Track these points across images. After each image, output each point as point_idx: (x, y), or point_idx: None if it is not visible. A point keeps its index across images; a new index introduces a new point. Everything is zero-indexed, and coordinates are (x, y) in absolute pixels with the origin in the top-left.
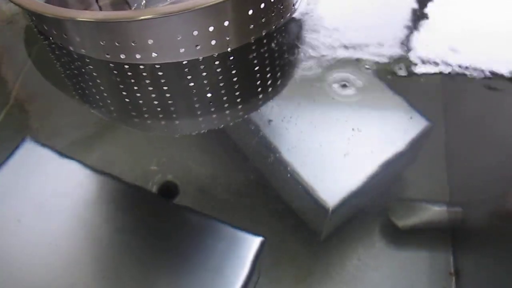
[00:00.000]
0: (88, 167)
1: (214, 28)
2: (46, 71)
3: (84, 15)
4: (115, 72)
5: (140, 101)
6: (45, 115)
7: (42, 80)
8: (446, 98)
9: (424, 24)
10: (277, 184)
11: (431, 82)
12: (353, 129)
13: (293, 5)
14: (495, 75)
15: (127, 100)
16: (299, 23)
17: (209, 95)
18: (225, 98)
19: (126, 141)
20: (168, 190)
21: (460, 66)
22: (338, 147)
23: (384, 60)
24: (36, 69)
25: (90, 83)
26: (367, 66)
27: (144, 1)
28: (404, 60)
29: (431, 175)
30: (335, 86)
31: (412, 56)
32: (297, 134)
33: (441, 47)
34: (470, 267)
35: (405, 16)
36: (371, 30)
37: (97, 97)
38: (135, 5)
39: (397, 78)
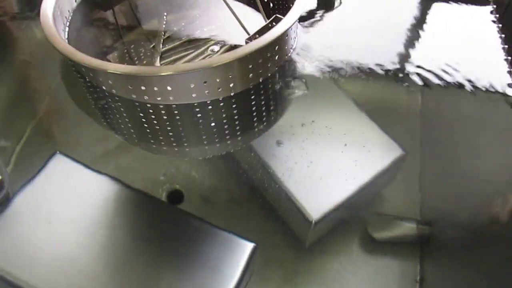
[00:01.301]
0: (109, 177)
1: (220, 79)
2: (73, 94)
3: (115, 68)
4: (139, 109)
5: (158, 132)
6: (69, 129)
7: (67, 97)
8: (423, 131)
9: None
10: (270, 196)
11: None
12: (338, 153)
13: (287, 54)
14: None
15: (147, 130)
16: (290, 63)
17: (214, 128)
18: (227, 131)
19: (139, 154)
20: (175, 197)
21: None
22: (323, 168)
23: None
24: (63, 87)
25: (118, 115)
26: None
27: (163, 37)
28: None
29: (405, 195)
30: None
31: None
32: (287, 154)
33: None
34: (433, 275)
35: None
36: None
37: (122, 126)
38: (154, 44)
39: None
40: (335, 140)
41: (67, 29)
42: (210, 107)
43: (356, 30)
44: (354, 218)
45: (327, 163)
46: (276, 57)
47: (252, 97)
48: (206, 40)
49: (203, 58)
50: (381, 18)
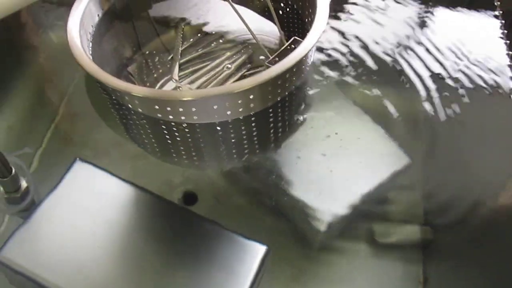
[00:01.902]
0: (128, 183)
1: (242, 101)
2: (91, 98)
3: (142, 92)
4: (163, 126)
5: (180, 147)
6: (87, 133)
7: (84, 101)
8: (427, 135)
9: None
10: (280, 198)
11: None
12: (346, 161)
13: (304, 72)
14: None
15: (170, 145)
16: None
17: (234, 144)
18: (246, 146)
19: (155, 159)
20: (189, 198)
21: None
22: (332, 175)
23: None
24: (79, 91)
25: (142, 131)
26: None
27: (181, 48)
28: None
29: (409, 199)
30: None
31: None
32: (297, 161)
33: None
34: (436, 276)
35: None
36: None
37: (146, 140)
38: (172, 55)
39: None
40: (343, 147)
41: (90, 44)
42: (231, 125)
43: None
44: (361, 221)
45: (336, 171)
46: (294, 77)
47: (271, 114)
48: (221, 52)
49: (219, 71)
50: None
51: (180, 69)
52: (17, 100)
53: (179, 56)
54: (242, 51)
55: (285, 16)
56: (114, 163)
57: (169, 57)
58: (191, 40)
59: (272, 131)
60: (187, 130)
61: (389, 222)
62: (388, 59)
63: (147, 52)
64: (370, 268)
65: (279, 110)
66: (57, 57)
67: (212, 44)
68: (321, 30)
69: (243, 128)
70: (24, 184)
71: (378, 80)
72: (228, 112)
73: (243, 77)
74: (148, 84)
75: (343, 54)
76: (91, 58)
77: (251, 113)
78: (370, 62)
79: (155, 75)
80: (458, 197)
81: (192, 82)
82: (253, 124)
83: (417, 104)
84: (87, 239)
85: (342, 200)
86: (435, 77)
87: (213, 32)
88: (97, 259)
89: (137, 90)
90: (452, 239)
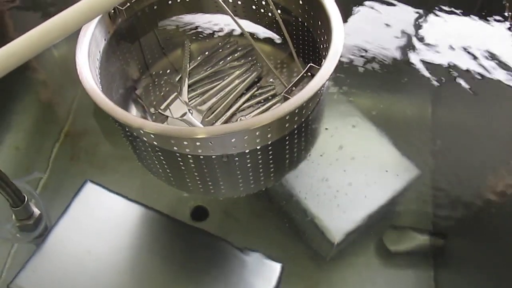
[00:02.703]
0: (139, 204)
1: (259, 133)
2: (95, 113)
3: (156, 128)
4: (179, 159)
5: (196, 178)
6: (94, 149)
7: (89, 116)
8: (435, 142)
9: None
10: (291, 212)
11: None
12: (357, 174)
13: (320, 98)
14: None
15: (186, 176)
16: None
17: (250, 173)
18: (261, 173)
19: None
20: (199, 213)
21: None
22: (344, 189)
23: None
24: (83, 106)
25: (156, 161)
26: None
27: (189, 68)
28: None
29: (418, 207)
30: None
31: None
32: (309, 176)
33: None
34: (447, 284)
35: None
36: None
37: (160, 170)
38: (180, 75)
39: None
40: (354, 161)
41: (98, 70)
42: (248, 155)
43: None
44: (372, 231)
45: (347, 184)
46: (311, 104)
47: (287, 141)
48: (230, 71)
49: (229, 91)
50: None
51: (189, 90)
52: (22, 119)
53: (188, 77)
54: (252, 68)
55: (294, 32)
56: (123, 179)
57: (177, 78)
58: (199, 58)
59: (287, 156)
60: (203, 162)
61: (400, 230)
62: (395, 65)
63: (154, 73)
64: (382, 278)
65: (295, 135)
66: (58, 72)
67: (221, 63)
68: (338, 55)
69: (260, 157)
70: (36, 210)
71: (385, 87)
72: (246, 145)
73: (253, 96)
74: (155, 103)
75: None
76: (101, 87)
77: (269, 143)
78: (376, 69)
79: (162, 94)
80: (468, 205)
81: (203, 103)
82: (270, 152)
83: (425, 111)
84: (99, 264)
85: (353, 212)
86: (444, 82)
87: (220, 50)
88: (111, 283)
89: (154, 127)
90: (463, 247)
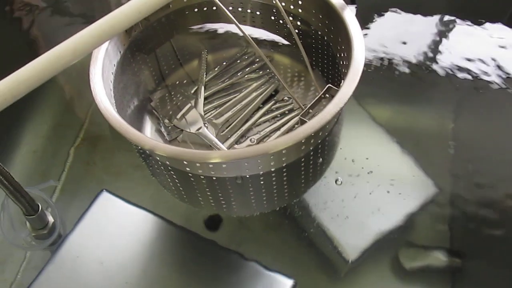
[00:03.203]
0: (152, 214)
1: (274, 157)
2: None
3: (164, 150)
4: (192, 179)
5: (209, 197)
6: (109, 156)
7: (104, 122)
8: (455, 167)
9: None
10: (307, 227)
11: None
12: (374, 190)
13: (337, 119)
14: None
15: (198, 194)
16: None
17: (264, 194)
18: (275, 194)
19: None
20: (214, 221)
21: None
22: (359, 205)
23: None
24: (98, 112)
25: (169, 180)
26: None
27: (205, 79)
28: None
29: (435, 224)
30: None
31: None
32: (324, 191)
33: None
34: None
35: None
36: None
37: (173, 187)
38: (195, 88)
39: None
40: (370, 177)
41: (112, 84)
42: (262, 178)
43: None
44: (387, 247)
45: (363, 200)
46: (329, 126)
47: (303, 163)
48: (247, 84)
49: (245, 104)
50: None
51: (205, 102)
52: (39, 123)
53: (204, 88)
54: (269, 81)
55: (313, 45)
56: (137, 186)
57: (193, 89)
58: (216, 69)
59: (303, 176)
60: (216, 183)
61: (415, 247)
62: (416, 74)
63: (171, 84)
64: None
65: (311, 156)
66: (76, 76)
67: (238, 74)
68: (357, 76)
69: (274, 179)
70: (50, 219)
71: (405, 98)
72: (260, 167)
73: (270, 111)
74: (170, 114)
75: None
76: (114, 103)
77: (283, 165)
78: (396, 78)
79: (177, 105)
80: (488, 223)
81: (219, 116)
82: (284, 173)
83: (446, 124)
84: (112, 275)
85: (368, 229)
86: (468, 94)
87: (238, 61)
88: None
89: (166, 150)
90: (481, 267)
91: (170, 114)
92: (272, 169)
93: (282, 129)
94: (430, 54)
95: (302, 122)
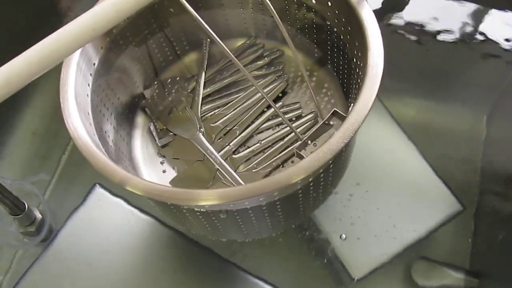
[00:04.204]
0: (149, 215)
1: (278, 193)
2: None
3: (135, 186)
4: (197, 213)
5: (194, 224)
6: None
7: None
8: (482, 186)
9: None
10: (317, 239)
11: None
12: (388, 205)
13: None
14: None
15: (206, 225)
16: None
17: (268, 221)
18: (281, 219)
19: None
20: None
21: None
22: (371, 221)
23: None
24: None
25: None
26: None
27: (203, 77)
28: None
29: (455, 240)
30: None
31: None
32: (333, 206)
33: None
34: None
35: None
36: None
37: (177, 220)
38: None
39: None
40: (385, 187)
41: (90, 87)
42: (265, 208)
43: None
44: (399, 261)
45: (376, 216)
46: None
47: (311, 188)
48: (250, 85)
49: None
50: None
51: (203, 102)
52: (39, 104)
53: (203, 86)
54: (277, 79)
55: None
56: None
57: (191, 86)
58: (221, 61)
59: (311, 200)
60: (199, 214)
61: (430, 263)
62: (446, 66)
63: (166, 79)
64: None
65: (310, 187)
66: None
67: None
68: (370, 103)
69: (279, 208)
70: (38, 215)
71: (431, 94)
72: (261, 199)
73: (275, 116)
74: (163, 117)
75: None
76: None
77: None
78: (422, 69)
79: (172, 105)
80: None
81: (217, 118)
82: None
83: (478, 126)
84: (104, 281)
85: (378, 252)
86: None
87: (245, 53)
88: None
89: (140, 186)
90: None
91: (163, 115)
92: (263, 204)
93: (286, 139)
94: (466, 41)
95: (298, 156)
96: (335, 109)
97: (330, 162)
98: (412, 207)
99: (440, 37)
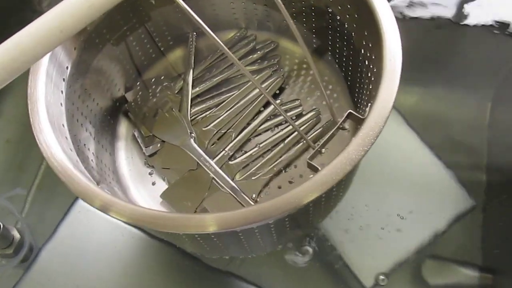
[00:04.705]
0: (137, 227)
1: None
2: None
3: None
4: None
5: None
6: None
7: None
8: (490, 154)
9: None
10: (320, 248)
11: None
12: (396, 205)
13: None
14: None
15: (204, 245)
16: None
17: (275, 236)
18: (288, 233)
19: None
20: None
21: None
22: (380, 223)
23: None
24: None
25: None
26: None
27: (191, 76)
28: None
29: (466, 236)
30: None
31: None
32: (341, 211)
33: None
34: None
35: None
36: None
37: (170, 238)
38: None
39: None
40: (395, 188)
41: (64, 94)
42: (272, 226)
43: None
44: (409, 260)
45: (384, 218)
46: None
47: (323, 199)
48: (244, 80)
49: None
50: None
51: (193, 104)
52: (12, 109)
53: (191, 86)
54: (273, 75)
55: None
56: None
57: (178, 86)
58: (208, 58)
59: (325, 204)
60: (198, 238)
61: (441, 261)
62: (450, 48)
63: (150, 79)
64: None
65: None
66: None
67: (233, 66)
68: (391, 101)
69: (287, 222)
70: (16, 235)
71: (435, 77)
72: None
73: (272, 115)
74: (148, 121)
75: None
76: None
77: None
78: (425, 52)
79: (157, 108)
80: None
81: (208, 122)
82: (286, 221)
83: (482, 113)
84: None
85: (388, 256)
86: None
87: (235, 48)
88: None
89: (126, 212)
90: None
91: (148, 119)
92: (271, 222)
93: (287, 141)
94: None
95: (311, 168)
96: (350, 110)
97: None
98: (421, 204)
99: (439, 21)
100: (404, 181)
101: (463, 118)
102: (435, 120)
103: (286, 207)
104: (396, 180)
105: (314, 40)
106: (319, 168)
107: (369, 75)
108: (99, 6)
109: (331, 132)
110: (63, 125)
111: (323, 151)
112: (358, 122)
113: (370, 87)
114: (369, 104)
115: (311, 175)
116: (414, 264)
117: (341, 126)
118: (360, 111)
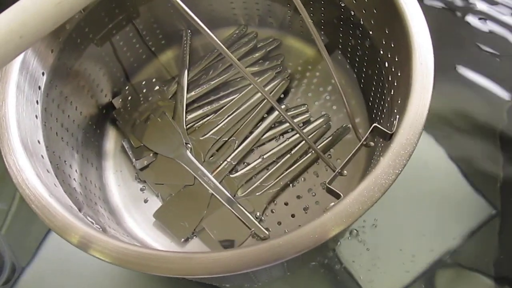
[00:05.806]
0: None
1: None
2: None
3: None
4: None
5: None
6: None
7: None
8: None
9: None
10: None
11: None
12: (408, 222)
13: None
14: None
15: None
16: None
17: (286, 269)
18: (300, 262)
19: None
20: None
21: None
22: (392, 236)
23: None
24: None
25: None
26: None
27: (186, 77)
28: None
29: (481, 243)
30: None
31: None
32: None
33: None
34: None
35: None
36: None
37: None
38: (174, 87)
39: None
40: (401, 196)
41: (40, 105)
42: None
43: None
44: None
45: (396, 227)
46: None
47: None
48: (245, 83)
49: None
50: None
51: (188, 110)
52: None
53: (186, 91)
54: (275, 75)
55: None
56: None
57: (172, 90)
58: (205, 58)
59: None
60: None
61: (455, 269)
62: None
63: (140, 82)
64: None
65: None
66: None
67: (231, 68)
68: (427, 105)
69: (298, 257)
70: None
71: (449, 70)
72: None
73: (277, 123)
74: (138, 130)
75: None
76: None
77: None
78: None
79: (148, 115)
80: None
81: (206, 131)
82: None
83: (498, 114)
84: None
85: (398, 272)
86: None
87: (236, 45)
88: None
89: (111, 251)
90: None
91: (138, 128)
92: None
93: (294, 151)
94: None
95: (331, 193)
96: (375, 124)
97: None
98: (436, 216)
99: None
100: (413, 187)
101: (481, 117)
102: (452, 119)
103: (304, 243)
104: (416, 191)
105: (323, 38)
106: (341, 195)
107: (390, 79)
108: (71, 2)
109: (355, 150)
110: (38, 142)
111: (345, 174)
112: (383, 137)
113: (392, 93)
114: (397, 116)
115: (323, 190)
116: (427, 274)
117: (365, 142)
118: (380, 120)
